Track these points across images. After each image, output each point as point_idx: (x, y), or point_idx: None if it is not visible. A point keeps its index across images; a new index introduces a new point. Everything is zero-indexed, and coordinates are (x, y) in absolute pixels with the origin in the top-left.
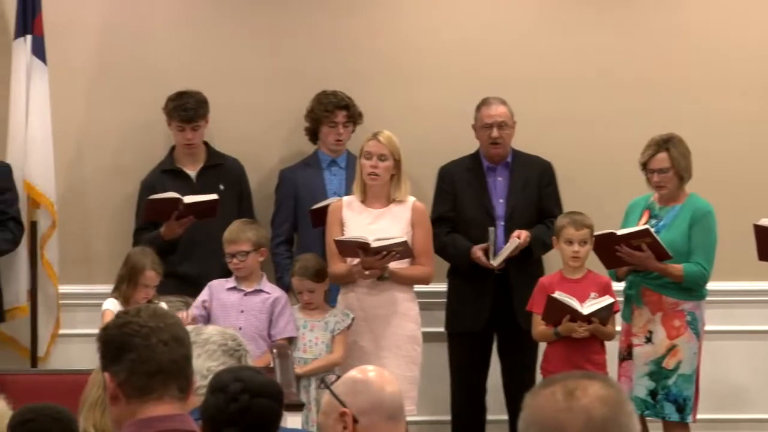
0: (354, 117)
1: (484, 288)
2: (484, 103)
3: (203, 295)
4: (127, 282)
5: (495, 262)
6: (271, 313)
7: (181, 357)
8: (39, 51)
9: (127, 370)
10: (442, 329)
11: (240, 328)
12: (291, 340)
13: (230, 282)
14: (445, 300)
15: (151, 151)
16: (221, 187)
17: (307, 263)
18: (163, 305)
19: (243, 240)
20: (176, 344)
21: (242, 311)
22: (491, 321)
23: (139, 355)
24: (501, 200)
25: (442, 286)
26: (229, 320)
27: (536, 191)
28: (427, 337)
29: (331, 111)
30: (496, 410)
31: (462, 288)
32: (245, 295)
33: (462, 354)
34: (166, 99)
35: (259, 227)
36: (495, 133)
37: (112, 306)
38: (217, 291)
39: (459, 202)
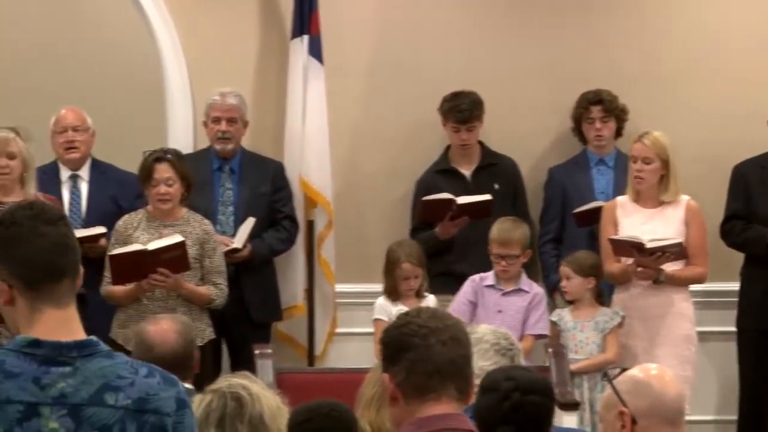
0: (612, 111)
1: None
2: None
3: (468, 294)
4: (387, 276)
5: None
6: (527, 310)
7: (459, 357)
8: (315, 51)
9: (405, 370)
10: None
11: None
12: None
13: (489, 279)
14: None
15: (426, 150)
16: (496, 186)
17: (581, 255)
18: (431, 300)
19: (514, 243)
20: (455, 344)
21: (500, 311)
22: None
23: (418, 355)
24: None
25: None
26: (488, 320)
27: None
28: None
29: (585, 107)
30: None
31: (755, 285)
32: (503, 294)
33: (753, 351)
34: (442, 99)
35: (527, 227)
36: None
37: (382, 302)
38: (479, 288)
39: (752, 199)
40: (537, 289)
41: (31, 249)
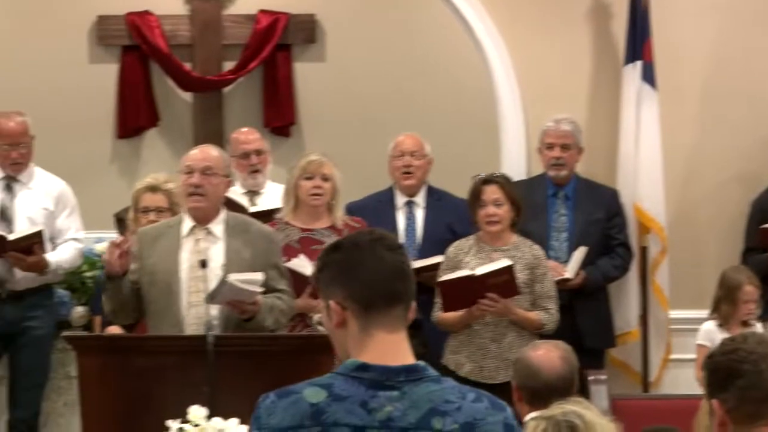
0: None
1: None
2: None
3: None
4: (725, 302)
5: None
6: None
7: None
8: (648, 76)
9: (736, 397)
10: None
11: None
12: None
13: None
14: None
15: (761, 172)
16: None
17: None
18: (758, 328)
19: None
20: None
21: None
22: None
23: (749, 382)
24: None
25: None
26: None
27: None
28: None
29: None
30: None
31: None
32: None
33: None
34: None
35: None
36: None
37: (710, 328)
38: None
39: None
40: None
41: (372, 272)
